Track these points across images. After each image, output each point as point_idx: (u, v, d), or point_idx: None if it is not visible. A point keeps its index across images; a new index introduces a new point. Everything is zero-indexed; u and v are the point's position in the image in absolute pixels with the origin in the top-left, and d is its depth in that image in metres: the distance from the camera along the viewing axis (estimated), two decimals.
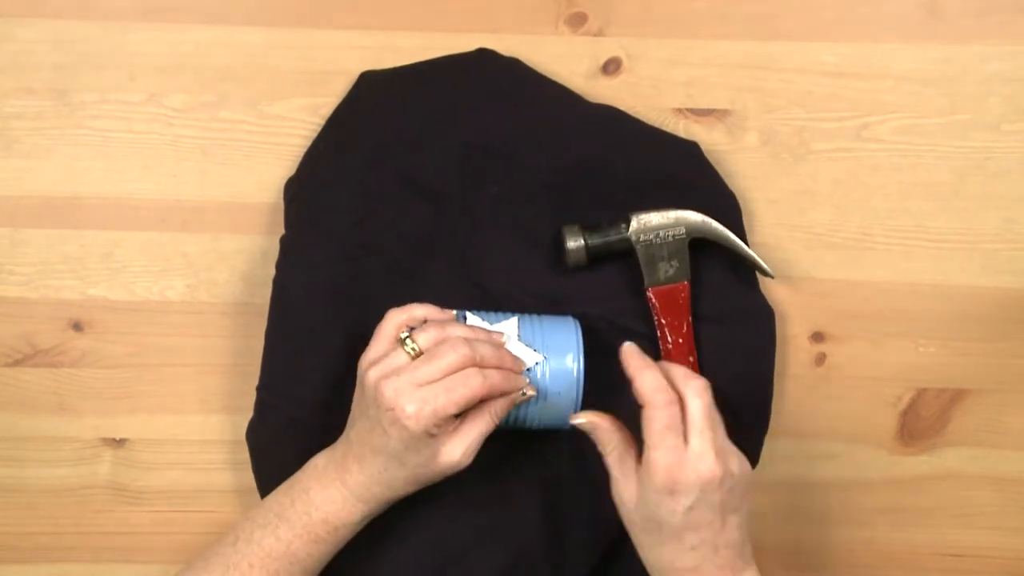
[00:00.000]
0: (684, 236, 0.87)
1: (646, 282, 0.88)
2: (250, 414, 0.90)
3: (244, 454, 0.90)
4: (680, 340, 0.88)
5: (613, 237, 0.87)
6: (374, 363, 0.79)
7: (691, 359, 0.88)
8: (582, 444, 0.88)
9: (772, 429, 0.92)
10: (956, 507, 0.95)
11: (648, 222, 0.87)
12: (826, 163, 0.93)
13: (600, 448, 0.79)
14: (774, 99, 0.92)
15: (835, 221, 0.93)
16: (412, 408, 0.75)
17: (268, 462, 0.89)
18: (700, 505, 0.74)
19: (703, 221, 0.87)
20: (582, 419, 0.79)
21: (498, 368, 0.79)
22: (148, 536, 0.93)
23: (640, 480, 0.75)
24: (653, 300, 0.88)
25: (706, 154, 0.91)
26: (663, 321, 0.88)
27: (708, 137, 0.92)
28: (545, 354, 0.82)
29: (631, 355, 0.77)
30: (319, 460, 0.82)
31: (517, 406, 0.82)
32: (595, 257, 0.88)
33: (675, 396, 0.75)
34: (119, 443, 0.93)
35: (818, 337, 0.94)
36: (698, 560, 0.75)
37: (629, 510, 0.77)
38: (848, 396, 0.94)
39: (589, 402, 0.84)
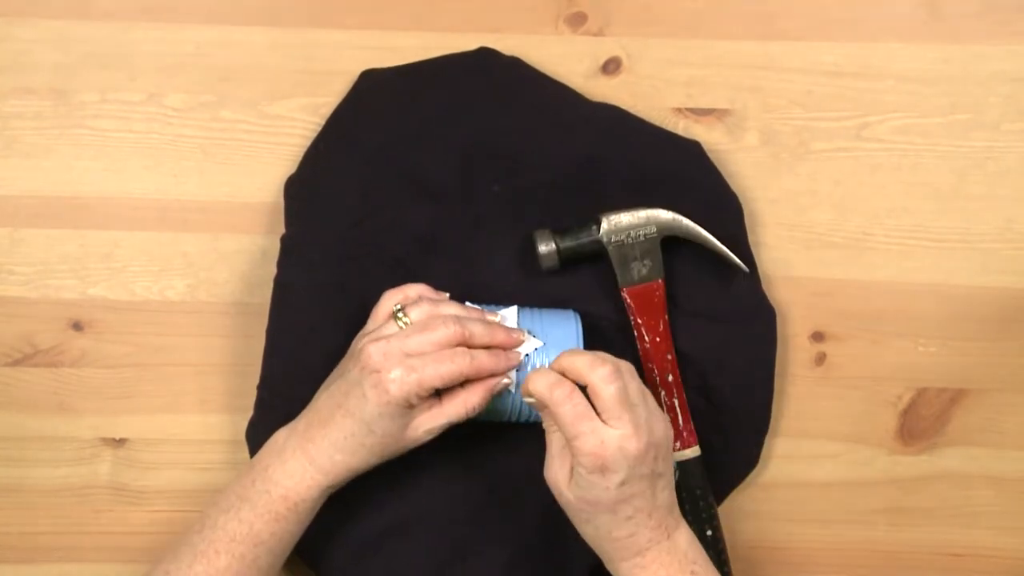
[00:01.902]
0: (656, 235, 0.87)
1: (619, 282, 0.87)
2: (250, 414, 0.90)
3: (244, 454, 0.90)
4: (657, 339, 0.87)
5: (584, 239, 0.87)
6: (365, 334, 0.80)
7: (670, 357, 0.88)
8: None
9: (772, 429, 0.92)
10: (956, 507, 0.95)
11: (619, 222, 0.86)
12: (826, 163, 0.93)
13: (545, 425, 0.80)
14: (774, 99, 0.92)
15: (835, 221, 0.93)
16: (397, 373, 0.76)
17: None
18: (631, 479, 0.75)
19: (674, 219, 0.87)
20: (531, 399, 0.78)
21: (488, 346, 0.79)
22: (148, 536, 0.93)
23: (573, 464, 0.77)
24: (628, 300, 0.87)
25: (708, 156, 0.91)
26: (639, 321, 0.87)
27: (708, 137, 0.92)
28: (545, 343, 0.83)
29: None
30: (279, 435, 0.82)
31: (515, 400, 0.82)
32: (568, 260, 0.87)
33: (572, 386, 0.75)
34: (119, 443, 0.93)
35: (818, 337, 0.94)
36: (633, 527, 0.77)
37: (562, 490, 0.78)
38: (848, 396, 0.94)
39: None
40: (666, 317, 0.88)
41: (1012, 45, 0.92)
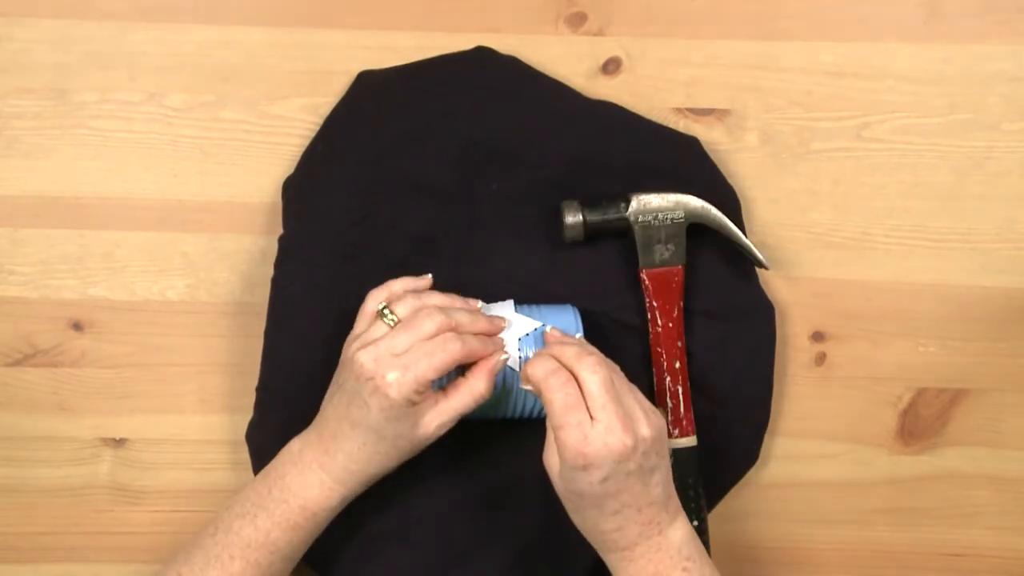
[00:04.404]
0: (683, 220, 0.88)
1: (640, 263, 0.88)
2: (250, 414, 0.90)
3: (244, 454, 0.90)
4: (670, 324, 0.88)
5: (612, 215, 0.87)
6: (354, 339, 0.80)
7: (680, 344, 0.88)
8: None
9: (772, 429, 0.92)
10: (956, 507, 0.95)
11: (648, 203, 0.87)
12: (826, 163, 0.93)
13: (546, 410, 0.77)
14: (774, 99, 0.93)
15: (835, 221, 0.93)
16: (393, 375, 0.75)
17: (268, 462, 0.89)
18: (615, 475, 0.74)
19: (703, 207, 0.88)
20: (529, 386, 0.77)
21: (475, 333, 0.79)
22: (148, 536, 0.93)
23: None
24: (646, 282, 0.88)
25: (706, 151, 0.91)
26: (654, 304, 0.88)
27: (708, 137, 0.92)
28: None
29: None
30: (294, 445, 0.82)
31: (517, 396, 0.82)
32: (592, 234, 0.88)
33: (569, 376, 0.75)
34: (119, 443, 0.93)
35: (818, 337, 0.94)
36: (621, 521, 0.76)
37: (554, 477, 0.78)
38: (848, 396, 0.94)
39: None
40: (681, 304, 0.88)
41: (1012, 45, 0.92)
